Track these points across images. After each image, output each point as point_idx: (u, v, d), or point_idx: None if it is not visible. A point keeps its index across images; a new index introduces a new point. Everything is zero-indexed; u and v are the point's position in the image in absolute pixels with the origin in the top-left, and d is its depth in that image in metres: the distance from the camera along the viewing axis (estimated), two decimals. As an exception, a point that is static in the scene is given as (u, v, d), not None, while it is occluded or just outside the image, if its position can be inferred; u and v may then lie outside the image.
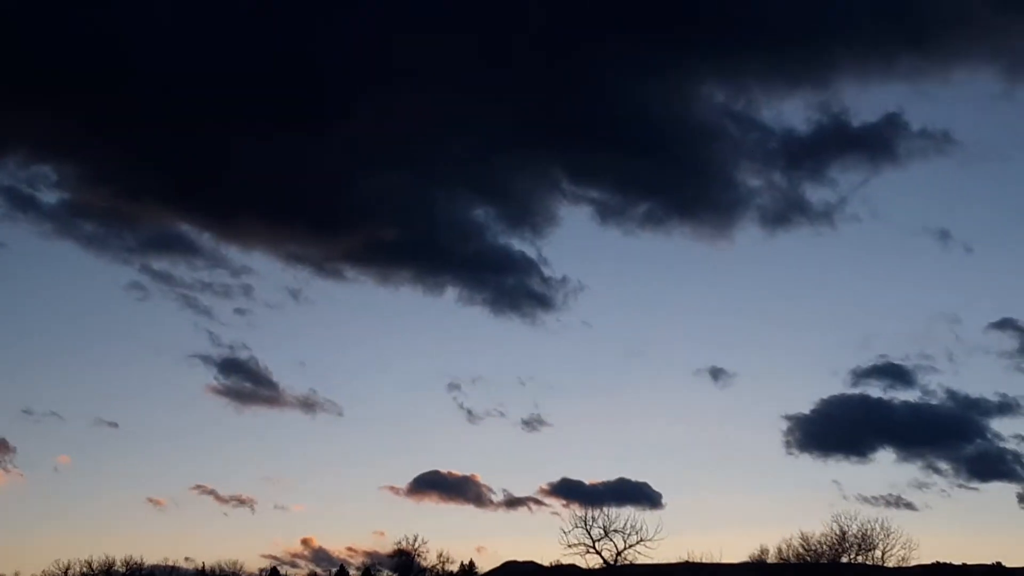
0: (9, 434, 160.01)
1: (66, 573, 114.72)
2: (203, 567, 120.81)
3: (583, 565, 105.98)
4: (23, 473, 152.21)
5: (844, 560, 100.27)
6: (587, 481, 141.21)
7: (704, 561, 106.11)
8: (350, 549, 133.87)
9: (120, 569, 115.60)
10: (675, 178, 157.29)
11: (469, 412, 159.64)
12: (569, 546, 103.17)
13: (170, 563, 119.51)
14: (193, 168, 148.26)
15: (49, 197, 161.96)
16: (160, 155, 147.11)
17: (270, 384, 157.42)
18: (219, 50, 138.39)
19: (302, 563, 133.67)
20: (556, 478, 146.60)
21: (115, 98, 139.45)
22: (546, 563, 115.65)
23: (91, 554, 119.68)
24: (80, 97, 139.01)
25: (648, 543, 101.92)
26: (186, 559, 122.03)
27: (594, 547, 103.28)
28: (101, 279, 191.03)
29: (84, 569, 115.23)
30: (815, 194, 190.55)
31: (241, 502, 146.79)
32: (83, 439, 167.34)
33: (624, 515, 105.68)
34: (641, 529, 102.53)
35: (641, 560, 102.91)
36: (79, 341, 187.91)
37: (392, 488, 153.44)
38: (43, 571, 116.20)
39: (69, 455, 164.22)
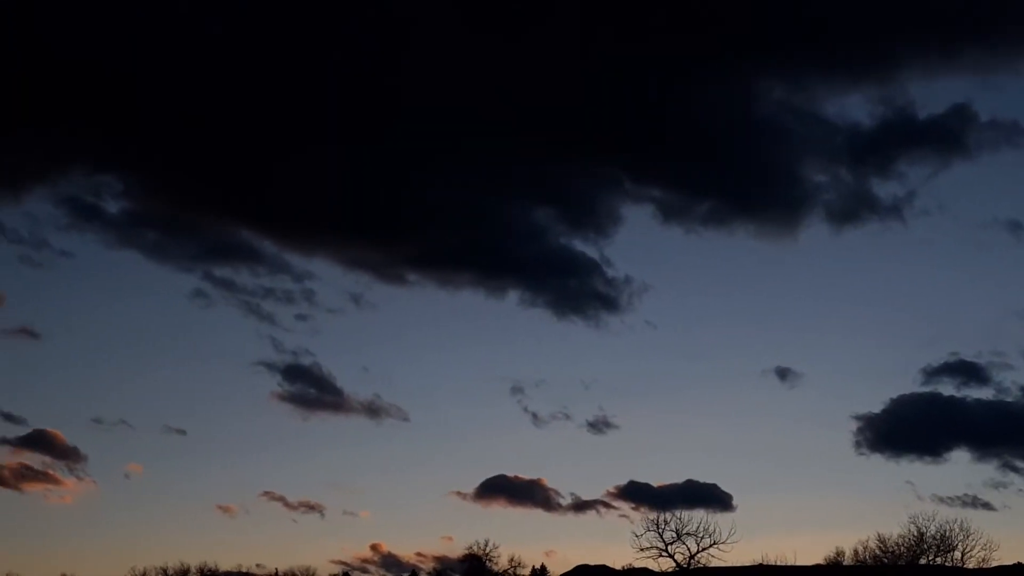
0: (81, 443, 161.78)
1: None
2: (276, 573, 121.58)
3: (655, 569, 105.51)
4: (95, 481, 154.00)
5: (922, 562, 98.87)
6: (655, 483, 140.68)
7: (778, 564, 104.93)
8: (419, 554, 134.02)
9: (194, 575, 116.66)
10: (738, 176, 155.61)
11: (534, 415, 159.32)
12: (641, 550, 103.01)
13: (243, 569, 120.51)
14: (254, 175, 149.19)
15: (112, 207, 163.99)
16: (221, 163, 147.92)
17: (334, 390, 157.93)
18: (277, 58, 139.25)
19: (372, 568, 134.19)
20: (623, 481, 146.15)
21: (175, 107, 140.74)
22: (618, 567, 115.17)
23: (166, 561, 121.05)
24: (141, 106, 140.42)
25: (721, 546, 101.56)
26: (257, 565, 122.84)
27: (666, 550, 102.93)
28: (165, 287, 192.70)
29: (159, 575, 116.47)
30: (883, 189, 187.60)
31: (310, 508, 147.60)
32: (152, 447, 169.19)
33: (696, 518, 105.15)
34: (714, 532, 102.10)
35: (715, 563, 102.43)
36: (145, 349, 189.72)
37: (459, 493, 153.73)
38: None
39: (139, 463, 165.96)
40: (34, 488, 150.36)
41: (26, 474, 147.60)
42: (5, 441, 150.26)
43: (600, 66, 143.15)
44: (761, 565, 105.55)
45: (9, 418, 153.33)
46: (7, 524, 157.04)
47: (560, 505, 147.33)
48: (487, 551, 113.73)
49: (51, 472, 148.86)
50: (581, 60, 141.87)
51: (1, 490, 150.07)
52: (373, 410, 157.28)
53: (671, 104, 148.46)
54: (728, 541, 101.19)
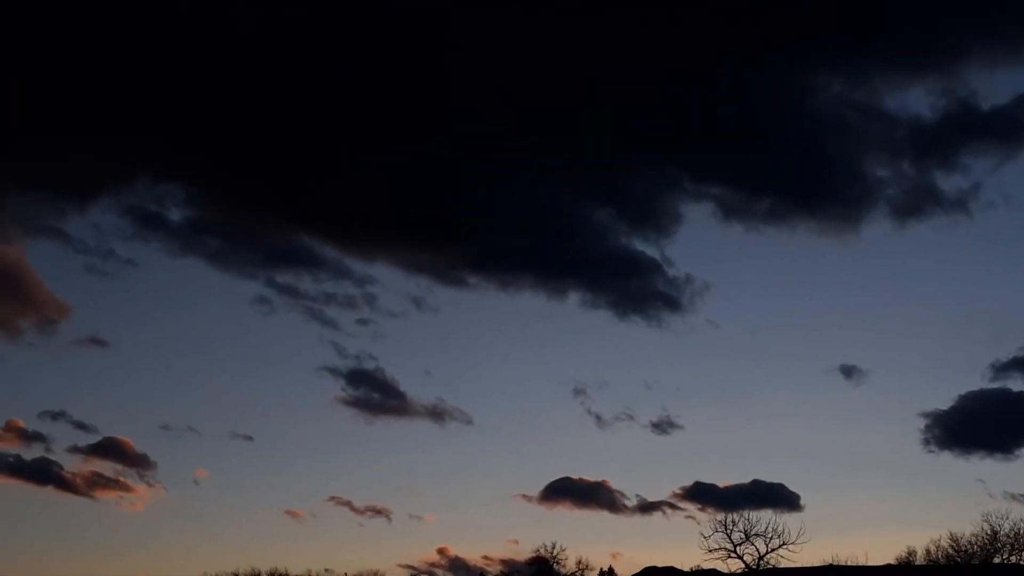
0: (150, 450, 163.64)
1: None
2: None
3: (724, 570, 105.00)
4: (165, 487, 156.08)
5: (996, 560, 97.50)
6: (720, 484, 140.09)
7: (849, 564, 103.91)
8: (486, 558, 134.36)
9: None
10: (798, 172, 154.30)
11: (597, 417, 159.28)
12: (709, 551, 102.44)
13: (312, 574, 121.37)
14: (314, 181, 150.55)
15: (176, 215, 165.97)
16: (282, 170, 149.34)
17: (397, 394, 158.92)
18: (338, 64, 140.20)
19: (439, 572, 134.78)
20: (688, 481, 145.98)
21: (237, 116, 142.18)
22: (686, 568, 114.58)
23: (237, 566, 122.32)
24: (204, 116, 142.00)
25: (790, 546, 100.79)
26: (326, 570, 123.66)
27: (735, 551, 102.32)
28: (228, 294, 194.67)
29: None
30: (947, 182, 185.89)
31: (377, 512, 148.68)
32: (220, 453, 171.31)
33: (764, 518, 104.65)
34: (783, 532, 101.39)
35: (784, 564, 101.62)
36: (211, 356, 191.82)
37: (524, 496, 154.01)
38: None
39: (207, 469, 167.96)
40: (106, 495, 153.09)
41: (98, 481, 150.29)
42: (77, 449, 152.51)
43: (659, 63, 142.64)
44: (831, 565, 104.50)
45: (81, 426, 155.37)
46: (81, 531, 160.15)
47: (626, 507, 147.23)
48: (554, 553, 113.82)
49: (122, 479, 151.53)
50: (640, 57, 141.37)
51: (74, 498, 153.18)
52: (437, 414, 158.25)
53: (730, 101, 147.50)
54: (797, 541, 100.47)
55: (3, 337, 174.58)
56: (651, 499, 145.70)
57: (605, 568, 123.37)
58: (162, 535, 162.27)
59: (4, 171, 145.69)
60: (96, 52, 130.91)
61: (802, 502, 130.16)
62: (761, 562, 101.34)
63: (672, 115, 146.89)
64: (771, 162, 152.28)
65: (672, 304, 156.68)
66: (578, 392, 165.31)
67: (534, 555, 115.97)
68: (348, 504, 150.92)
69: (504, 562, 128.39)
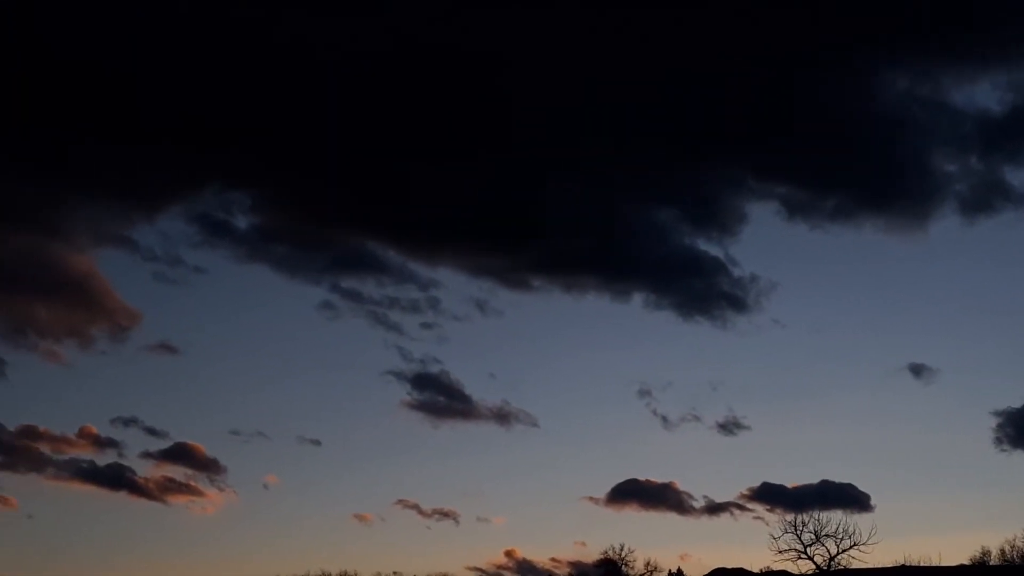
0: (220, 454, 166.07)
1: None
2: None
3: (794, 571, 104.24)
4: (236, 492, 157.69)
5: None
6: (789, 484, 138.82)
7: (922, 564, 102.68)
8: (553, 560, 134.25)
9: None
10: (864, 169, 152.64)
11: (663, 418, 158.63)
12: (779, 552, 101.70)
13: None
14: (377, 187, 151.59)
15: (242, 222, 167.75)
16: (346, 176, 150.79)
17: (463, 397, 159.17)
18: (401, 71, 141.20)
19: (507, 574, 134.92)
20: (756, 482, 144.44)
21: (303, 123, 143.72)
22: (755, 570, 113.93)
23: (307, 569, 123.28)
24: (271, 123, 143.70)
25: (862, 547, 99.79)
26: (395, 573, 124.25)
27: (805, 552, 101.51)
28: (294, 300, 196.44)
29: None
30: (1016, 177, 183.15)
31: (444, 515, 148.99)
32: (288, 457, 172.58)
33: (834, 519, 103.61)
34: (854, 533, 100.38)
35: (855, 565, 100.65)
36: (278, 362, 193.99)
37: (591, 498, 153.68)
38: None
39: (277, 473, 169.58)
40: (178, 500, 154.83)
41: (170, 486, 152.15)
42: (149, 455, 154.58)
43: (721, 62, 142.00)
44: (904, 566, 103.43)
45: (152, 432, 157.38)
46: (154, 536, 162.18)
47: (693, 508, 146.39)
48: (622, 555, 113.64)
49: (193, 484, 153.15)
50: (703, 55, 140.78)
51: (147, 502, 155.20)
52: (502, 416, 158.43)
53: (795, 98, 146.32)
54: (868, 542, 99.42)
55: (76, 345, 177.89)
56: (719, 500, 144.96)
57: (673, 570, 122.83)
58: (233, 539, 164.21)
59: (74, 181, 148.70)
60: (166, 65, 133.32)
61: (872, 502, 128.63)
62: (832, 563, 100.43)
63: (735, 114, 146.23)
64: (837, 159, 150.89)
65: (737, 304, 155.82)
66: (643, 393, 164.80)
67: (602, 557, 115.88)
68: (416, 507, 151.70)
69: (572, 564, 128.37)
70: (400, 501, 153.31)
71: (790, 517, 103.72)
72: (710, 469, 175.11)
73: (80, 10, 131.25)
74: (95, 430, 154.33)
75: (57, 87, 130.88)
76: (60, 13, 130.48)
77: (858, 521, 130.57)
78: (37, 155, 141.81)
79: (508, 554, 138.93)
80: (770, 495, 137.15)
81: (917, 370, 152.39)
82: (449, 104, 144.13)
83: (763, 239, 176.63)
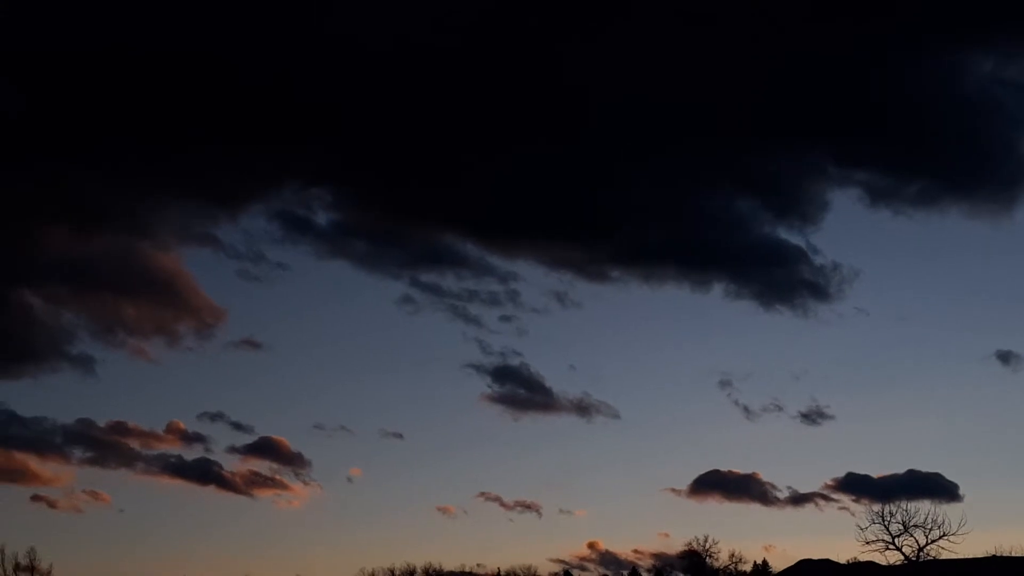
0: (305, 448, 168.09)
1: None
2: (498, 572, 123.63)
3: (882, 562, 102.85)
4: (321, 485, 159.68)
5: None
6: (874, 474, 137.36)
7: (1014, 555, 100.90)
8: (636, 551, 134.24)
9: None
10: (948, 154, 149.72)
11: (745, 409, 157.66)
12: (866, 543, 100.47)
13: (466, 569, 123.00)
14: (455, 181, 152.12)
15: (322, 219, 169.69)
16: (423, 170, 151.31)
17: (543, 390, 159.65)
18: (475, 65, 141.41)
19: (591, 566, 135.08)
20: (841, 472, 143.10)
21: (379, 119, 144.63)
22: (842, 561, 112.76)
23: (392, 562, 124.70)
24: (348, 120, 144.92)
25: (951, 537, 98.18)
26: (478, 565, 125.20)
27: (893, 543, 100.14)
28: (374, 295, 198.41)
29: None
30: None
31: (527, 507, 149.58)
32: (372, 451, 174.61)
33: (923, 509, 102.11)
34: (943, 523, 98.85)
35: (945, 556, 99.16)
36: (359, 356, 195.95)
37: (673, 490, 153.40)
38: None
39: (360, 467, 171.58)
40: (265, 494, 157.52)
41: (256, 480, 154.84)
42: (235, 449, 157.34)
43: (800, 48, 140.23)
44: (994, 557, 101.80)
45: (238, 427, 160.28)
46: (242, 529, 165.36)
47: (777, 499, 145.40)
48: (707, 547, 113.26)
49: (279, 477, 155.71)
50: (780, 43, 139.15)
51: (234, 496, 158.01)
52: (583, 408, 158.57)
53: (876, 83, 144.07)
54: (958, 532, 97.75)
55: (163, 342, 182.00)
56: (803, 491, 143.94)
57: (759, 561, 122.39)
58: (319, 532, 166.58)
59: (160, 182, 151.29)
60: (242, 62, 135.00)
61: (960, 492, 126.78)
62: (921, 554, 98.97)
63: (815, 100, 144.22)
64: (920, 144, 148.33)
65: (819, 292, 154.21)
66: (724, 384, 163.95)
67: (686, 548, 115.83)
68: (498, 500, 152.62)
69: (655, 556, 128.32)
70: (482, 494, 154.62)
71: (877, 507, 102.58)
72: (793, 459, 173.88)
73: (160, 10, 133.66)
74: (182, 425, 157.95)
75: (141, 90, 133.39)
76: (142, 14, 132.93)
77: (946, 511, 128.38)
78: (123, 157, 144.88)
79: (591, 546, 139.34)
80: (855, 485, 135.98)
81: (1005, 357, 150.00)
82: (527, 97, 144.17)
83: (845, 226, 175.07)
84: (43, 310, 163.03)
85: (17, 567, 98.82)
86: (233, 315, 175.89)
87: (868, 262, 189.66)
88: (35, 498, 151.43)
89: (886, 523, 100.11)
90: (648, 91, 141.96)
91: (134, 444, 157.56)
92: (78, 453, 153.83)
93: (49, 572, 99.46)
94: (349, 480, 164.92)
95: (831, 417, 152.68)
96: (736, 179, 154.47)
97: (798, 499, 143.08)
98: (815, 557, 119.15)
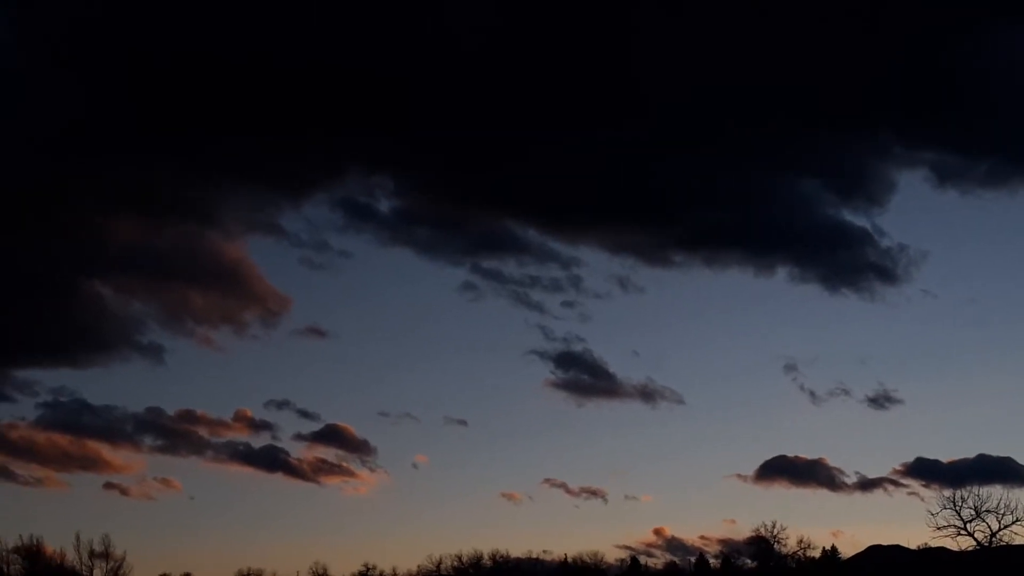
0: (370, 435, 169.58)
1: (438, 567, 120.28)
2: (565, 559, 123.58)
3: (953, 548, 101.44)
4: (387, 472, 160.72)
5: None
6: (944, 459, 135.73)
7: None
8: (703, 538, 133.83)
9: (487, 563, 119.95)
10: (1016, 133, 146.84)
11: (811, 393, 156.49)
12: (937, 528, 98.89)
13: (532, 556, 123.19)
14: (516, 166, 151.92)
15: (384, 206, 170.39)
16: (484, 157, 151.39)
17: (607, 375, 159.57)
18: (536, 49, 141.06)
19: (657, 553, 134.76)
20: (910, 457, 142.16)
21: (442, 107, 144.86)
22: (912, 547, 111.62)
23: (460, 548, 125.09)
24: (410, 108, 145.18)
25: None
26: (544, 552, 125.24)
27: (965, 529, 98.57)
28: (436, 282, 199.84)
29: (454, 563, 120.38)
30: None
31: (592, 493, 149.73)
32: (437, 437, 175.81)
33: (995, 494, 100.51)
34: (1016, 508, 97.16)
35: (1019, 541, 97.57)
36: (422, 343, 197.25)
37: (739, 475, 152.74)
38: (418, 566, 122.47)
39: (426, 454, 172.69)
40: (332, 481, 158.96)
41: (323, 467, 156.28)
42: (301, 437, 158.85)
43: (864, 28, 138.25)
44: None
45: (304, 414, 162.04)
46: (310, 516, 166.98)
47: (845, 484, 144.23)
48: (774, 533, 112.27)
49: (345, 465, 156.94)
50: (843, 23, 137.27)
51: (302, 483, 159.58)
52: (647, 394, 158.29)
53: (943, 61, 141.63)
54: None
55: (230, 331, 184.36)
56: (871, 476, 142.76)
57: (827, 547, 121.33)
58: (386, 519, 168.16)
59: (224, 171, 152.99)
60: (305, 53, 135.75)
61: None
62: (993, 540, 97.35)
63: (881, 80, 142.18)
64: (988, 123, 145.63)
65: (885, 275, 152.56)
66: (789, 368, 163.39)
67: (753, 535, 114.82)
68: (563, 486, 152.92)
69: (722, 542, 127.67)
70: (547, 480, 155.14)
71: (948, 493, 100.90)
72: (861, 444, 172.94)
73: (225, 7, 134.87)
74: (250, 413, 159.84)
75: (205, 80, 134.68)
76: (204, 9, 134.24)
77: (1019, 496, 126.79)
78: (189, 148, 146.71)
79: (657, 532, 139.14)
80: (925, 470, 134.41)
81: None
82: (587, 82, 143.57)
83: (912, 207, 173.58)
84: (113, 300, 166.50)
85: (92, 554, 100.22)
86: (298, 303, 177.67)
87: (935, 244, 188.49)
88: (108, 485, 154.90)
89: (957, 508, 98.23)
90: (710, 73, 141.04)
91: (203, 432, 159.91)
92: (148, 441, 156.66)
93: (123, 559, 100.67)
94: (415, 467, 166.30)
95: (899, 401, 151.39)
96: (800, 161, 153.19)
97: (866, 484, 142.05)
98: (885, 543, 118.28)
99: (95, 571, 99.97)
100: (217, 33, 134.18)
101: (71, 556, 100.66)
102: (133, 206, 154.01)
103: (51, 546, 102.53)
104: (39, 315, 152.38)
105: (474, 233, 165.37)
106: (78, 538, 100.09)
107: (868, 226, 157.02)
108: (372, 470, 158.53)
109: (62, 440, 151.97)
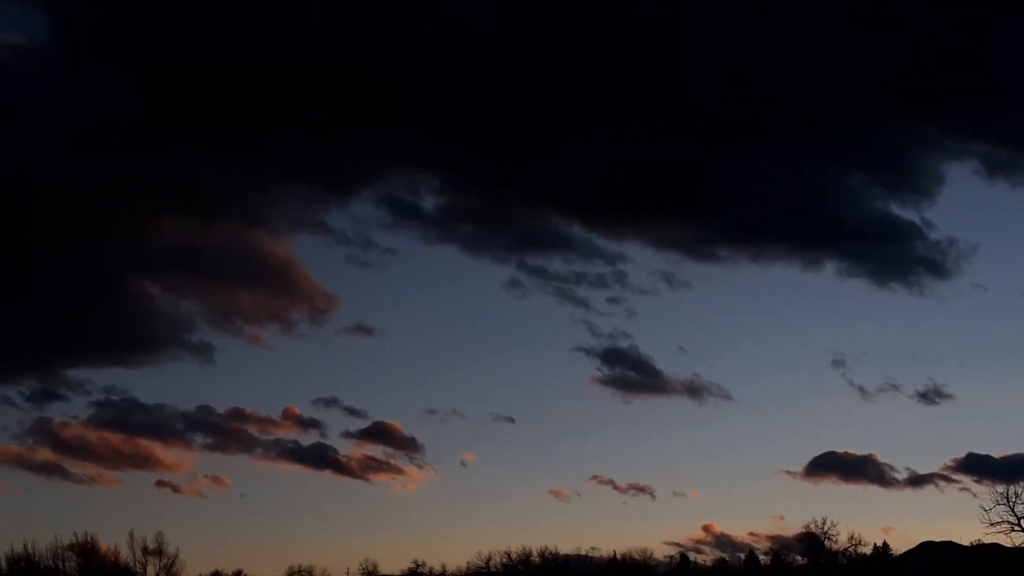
0: (418, 433, 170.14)
1: (487, 564, 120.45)
2: (614, 555, 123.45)
3: (1007, 544, 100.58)
4: (435, 469, 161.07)
5: None
6: (995, 454, 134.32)
7: None
8: (752, 534, 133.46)
9: (536, 560, 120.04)
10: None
11: (860, 389, 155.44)
12: (991, 525, 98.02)
13: (581, 552, 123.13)
14: (561, 163, 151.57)
15: (429, 203, 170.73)
16: (528, 154, 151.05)
17: (653, 372, 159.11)
18: (577, 44, 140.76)
19: (706, 549, 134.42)
20: (961, 453, 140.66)
21: (485, 104, 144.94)
22: (965, 543, 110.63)
23: (508, 545, 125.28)
24: (454, 105, 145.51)
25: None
26: (592, 548, 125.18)
27: (1019, 525, 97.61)
28: (481, 279, 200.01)
29: (503, 560, 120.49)
30: None
31: (640, 490, 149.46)
32: (484, 435, 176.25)
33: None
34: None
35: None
36: (468, 340, 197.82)
37: (788, 472, 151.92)
38: (467, 563, 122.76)
39: (473, 451, 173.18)
40: (380, 478, 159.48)
41: (371, 465, 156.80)
42: (349, 434, 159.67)
43: (912, 20, 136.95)
44: None
45: (352, 412, 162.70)
46: (359, 513, 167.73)
47: (895, 480, 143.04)
48: (825, 529, 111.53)
49: (393, 462, 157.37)
50: (890, 16, 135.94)
51: (351, 480, 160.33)
52: (694, 390, 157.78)
53: (992, 51, 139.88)
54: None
55: (277, 329, 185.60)
56: (922, 472, 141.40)
57: (879, 544, 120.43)
58: (434, 516, 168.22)
59: (271, 170, 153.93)
60: (350, 52, 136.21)
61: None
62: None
63: (928, 71, 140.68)
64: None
65: (935, 269, 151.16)
66: (837, 364, 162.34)
67: (803, 531, 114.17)
68: (611, 483, 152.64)
69: (771, 538, 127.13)
70: (595, 477, 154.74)
71: (1001, 488, 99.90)
72: (911, 440, 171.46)
73: (272, 5, 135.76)
74: (298, 411, 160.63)
75: (253, 80, 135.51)
76: (254, 9, 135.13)
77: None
78: (237, 147, 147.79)
79: (706, 529, 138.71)
80: (976, 466, 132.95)
81: None
82: (631, 77, 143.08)
83: (961, 200, 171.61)
84: (162, 300, 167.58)
85: (145, 551, 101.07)
86: (345, 300, 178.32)
87: (985, 237, 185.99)
88: (159, 483, 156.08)
89: (1011, 504, 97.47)
90: (757, 68, 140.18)
91: (252, 430, 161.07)
92: (199, 439, 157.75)
93: (176, 555, 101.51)
94: (462, 464, 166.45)
95: (950, 396, 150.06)
96: (847, 154, 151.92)
97: (917, 480, 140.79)
98: (937, 539, 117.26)
99: (148, 568, 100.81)
100: (266, 33, 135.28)
101: (125, 553, 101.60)
102: (181, 206, 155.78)
103: (105, 543, 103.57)
104: (90, 315, 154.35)
105: (519, 230, 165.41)
106: (132, 535, 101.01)
107: (917, 219, 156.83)
108: (420, 467, 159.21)
109: (114, 438, 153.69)
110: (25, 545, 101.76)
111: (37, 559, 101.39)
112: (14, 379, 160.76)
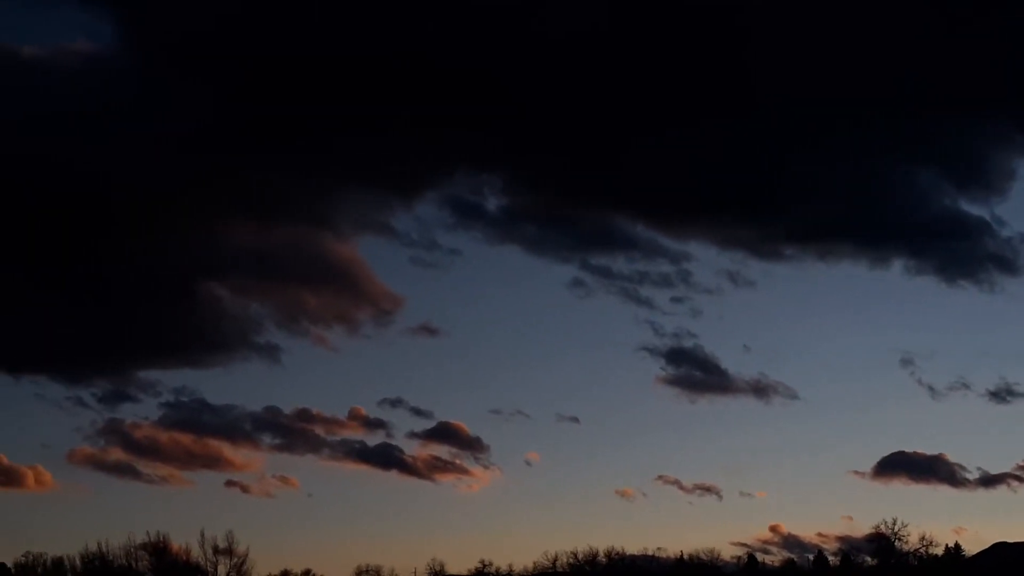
0: (483, 433, 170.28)
1: (554, 564, 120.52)
2: (681, 556, 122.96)
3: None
4: (500, 469, 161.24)
5: None
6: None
7: None
8: (820, 535, 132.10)
9: (603, 560, 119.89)
10: None
11: (930, 388, 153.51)
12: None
13: (647, 553, 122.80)
14: (624, 162, 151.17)
15: (492, 204, 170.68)
16: (591, 152, 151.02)
17: (718, 371, 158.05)
18: (641, 44, 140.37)
19: (773, 549, 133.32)
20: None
21: (548, 102, 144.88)
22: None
23: (575, 546, 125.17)
24: (517, 105, 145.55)
25: None
26: (658, 549, 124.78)
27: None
28: (545, 279, 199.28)
29: (570, 560, 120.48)
30: None
31: (706, 490, 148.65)
32: (548, 435, 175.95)
33: None
34: None
35: None
36: (532, 341, 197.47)
37: (856, 472, 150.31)
38: (534, 563, 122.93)
39: (538, 451, 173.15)
40: (445, 478, 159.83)
41: (437, 465, 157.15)
42: (415, 435, 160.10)
43: (980, 14, 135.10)
44: None
45: (417, 412, 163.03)
46: (425, 513, 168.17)
47: (967, 480, 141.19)
48: (895, 530, 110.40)
49: (458, 462, 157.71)
50: (959, 10, 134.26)
51: (417, 481, 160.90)
52: (760, 389, 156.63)
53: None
54: None
55: (343, 330, 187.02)
56: (994, 472, 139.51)
57: (950, 545, 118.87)
58: (500, 516, 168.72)
59: (335, 172, 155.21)
60: (414, 56, 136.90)
61: None
62: None
63: (998, 67, 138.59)
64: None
65: (1006, 266, 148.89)
66: (906, 362, 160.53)
67: (873, 532, 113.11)
68: (676, 483, 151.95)
69: (840, 539, 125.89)
70: (660, 476, 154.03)
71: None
72: (983, 439, 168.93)
73: (338, 9, 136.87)
74: (364, 411, 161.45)
75: (318, 84, 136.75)
76: (319, 13, 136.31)
77: None
78: (302, 150, 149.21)
79: (773, 529, 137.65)
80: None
81: None
82: (695, 75, 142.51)
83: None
84: (230, 302, 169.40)
85: (216, 550, 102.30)
86: (410, 301, 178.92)
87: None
88: (229, 483, 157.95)
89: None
90: (824, 65, 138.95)
91: (319, 430, 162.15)
92: (267, 439, 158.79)
93: (246, 555, 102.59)
94: (528, 464, 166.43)
95: (1021, 395, 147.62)
96: (915, 150, 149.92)
97: (989, 481, 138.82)
98: (1010, 540, 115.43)
99: (219, 567, 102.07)
100: (331, 37, 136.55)
101: (196, 552, 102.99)
102: (248, 209, 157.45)
103: (177, 543, 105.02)
104: (160, 317, 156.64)
105: (582, 230, 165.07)
106: (202, 535, 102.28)
107: (987, 216, 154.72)
108: (485, 467, 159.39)
109: (184, 439, 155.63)
110: (99, 544, 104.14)
111: (111, 558, 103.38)
112: (86, 381, 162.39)
